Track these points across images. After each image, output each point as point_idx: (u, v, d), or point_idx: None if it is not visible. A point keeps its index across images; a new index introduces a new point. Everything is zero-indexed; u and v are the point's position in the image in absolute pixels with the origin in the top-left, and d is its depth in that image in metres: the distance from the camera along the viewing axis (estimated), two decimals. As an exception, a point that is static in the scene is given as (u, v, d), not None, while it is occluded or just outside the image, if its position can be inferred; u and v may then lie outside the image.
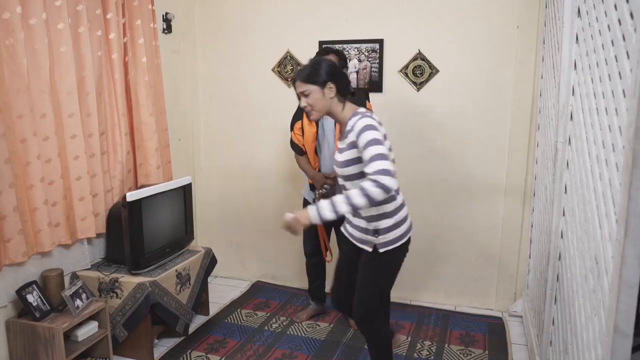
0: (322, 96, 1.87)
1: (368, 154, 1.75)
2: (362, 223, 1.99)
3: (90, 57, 2.52)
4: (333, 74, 1.87)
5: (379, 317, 2.09)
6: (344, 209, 1.76)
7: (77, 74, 2.47)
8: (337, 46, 3.25)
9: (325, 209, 1.79)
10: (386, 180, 1.71)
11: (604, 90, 1.48)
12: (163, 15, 3.26)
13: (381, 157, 1.74)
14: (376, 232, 1.94)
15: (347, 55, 3.25)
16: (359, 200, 1.73)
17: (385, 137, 1.84)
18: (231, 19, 3.52)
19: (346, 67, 2.75)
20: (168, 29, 3.31)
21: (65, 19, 2.37)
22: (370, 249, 1.98)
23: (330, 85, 1.86)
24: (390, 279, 2.09)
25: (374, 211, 1.93)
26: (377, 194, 1.72)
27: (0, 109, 2.08)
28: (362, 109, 1.92)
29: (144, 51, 2.88)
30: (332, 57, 2.65)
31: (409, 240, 2.03)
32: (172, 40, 3.37)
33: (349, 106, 1.94)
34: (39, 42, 2.25)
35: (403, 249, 2.01)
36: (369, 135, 1.77)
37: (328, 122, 2.73)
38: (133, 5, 2.83)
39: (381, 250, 1.95)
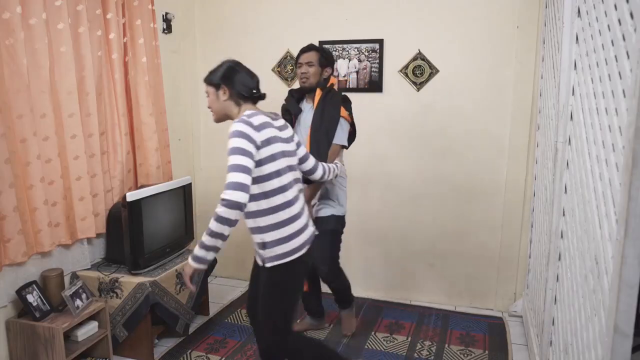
0: (216, 98, 1.87)
1: (227, 165, 1.67)
2: (252, 234, 1.88)
3: (90, 57, 2.52)
4: (228, 78, 1.84)
5: (286, 344, 1.93)
6: (204, 239, 1.67)
7: (77, 74, 2.47)
8: (337, 46, 3.26)
9: (196, 248, 1.70)
10: (233, 195, 1.60)
11: (604, 90, 1.48)
12: (163, 15, 3.26)
13: (233, 168, 1.64)
14: (263, 246, 1.83)
15: (347, 55, 3.25)
16: (213, 225, 1.64)
17: (265, 142, 1.74)
18: (231, 19, 3.52)
19: (330, 66, 2.57)
20: (168, 29, 3.31)
21: (65, 19, 2.37)
22: (261, 263, 1.88)
23: (224, 88, 1.84)
24: (287, 298, 1.91)
25: (260, 223, 1.81)
26: (226, 213, 1.61)
27: (0, 109, 2.08)
28: (248, 112, 1.80)
29: (144, 51, 2.88)
30: (312, 55, 2.52)
31: (306, 255, 1.89)
32: (172, 40, 3.37)
33: (244, 109, 1.86)
34: (39, 42, 2.25)
35: (296, 265, 1.86)
36: (230, 143, 1.69)
37: (306, 117, 2.57)
38: (133, 5, 2.83)
39: (267, 265, 1.83)
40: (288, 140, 1.93)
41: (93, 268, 2.66)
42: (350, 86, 3.29)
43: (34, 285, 2.28)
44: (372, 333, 2.92)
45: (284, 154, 1.84)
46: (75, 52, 2.45)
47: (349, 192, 3.38)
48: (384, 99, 3.25)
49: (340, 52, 3.27)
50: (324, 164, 2.22)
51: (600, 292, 1.40)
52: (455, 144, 3.17)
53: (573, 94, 1.98)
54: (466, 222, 3.23)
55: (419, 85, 3.18)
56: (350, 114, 2.58)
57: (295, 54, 3.39)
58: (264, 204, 1.79)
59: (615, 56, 1.37)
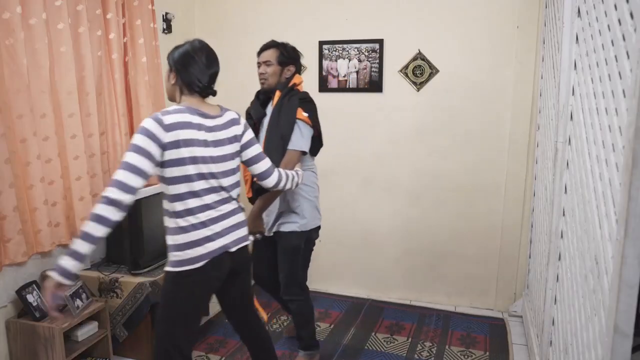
0: (167, 79, 1.77)
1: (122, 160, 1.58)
2: None
3: (90, 57, 2.52)
4: (181, 64, 1.71)
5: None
6: (72, 244, 1.48)
7: (77, 74, 2.47)
8: (337, 46, 3.26)
9: (63, 258, 1.49)
10: (113, 193, 1.49)
11: (604, 90, 1.48)
12: (163, 15, 3.26)
13: (124, 166, 1.53)
14: (168, 247, 1.72)
15: (347, 55, 3.25)
16: (86, 226, 1.47)
17: (173, 143, 1.60)
18: (231, 19, 3.52)
19: (293, 64, 2.34)
20: (168, 29, 3.31)
21: (65, 19, 2.37)
22: None
23: (174, 74, 1.73)
24: (174, 309, 1.74)
25: (168, 223, 1.71)
26: (102, 210, 1.48)
27: (0, 109, 2.08)
28: (169, 108, 1.67)
29: (144, 51, 2.88)
30: (271, 53, 2.29)
31: (205, 269, 1.70)
32: (172, 40, 3.36)
33: (184, 100, 1.74)
34: (39, 42, 2.25)
35: (190, 277, 1.69)
36: (132, 138, 1.58)
37: (267, 118, 2.33)
38: (133, 5, 2.83)
39: (165, 268, 1.73)
40: (218, 143, 1.73)
41: (93, 268, 2.66)
42: (350, 86, 3.29)
43: (34, 285, 2.28)
44: (373, 334, 2.92)
45: (196, 160, 1.65)
46: (75, 52, 2.45)
47: (348, 192, 3.40)
48: (384, 99, 3.25)
49: (340, 52, 3.27)
50: (282, 170, 2.02)
51: (600, 292, 1.40)
52: (455, 144, 3.17)
53: (573, 94, 1.98)
54: (466, 222, 3.23)
55: (419, 85, 3.18)
56: (311, 117, 2.26)
57: (295, 54, 3.41)
58: (167, 206, 1.70)
59: (615, 56, 1.37)
